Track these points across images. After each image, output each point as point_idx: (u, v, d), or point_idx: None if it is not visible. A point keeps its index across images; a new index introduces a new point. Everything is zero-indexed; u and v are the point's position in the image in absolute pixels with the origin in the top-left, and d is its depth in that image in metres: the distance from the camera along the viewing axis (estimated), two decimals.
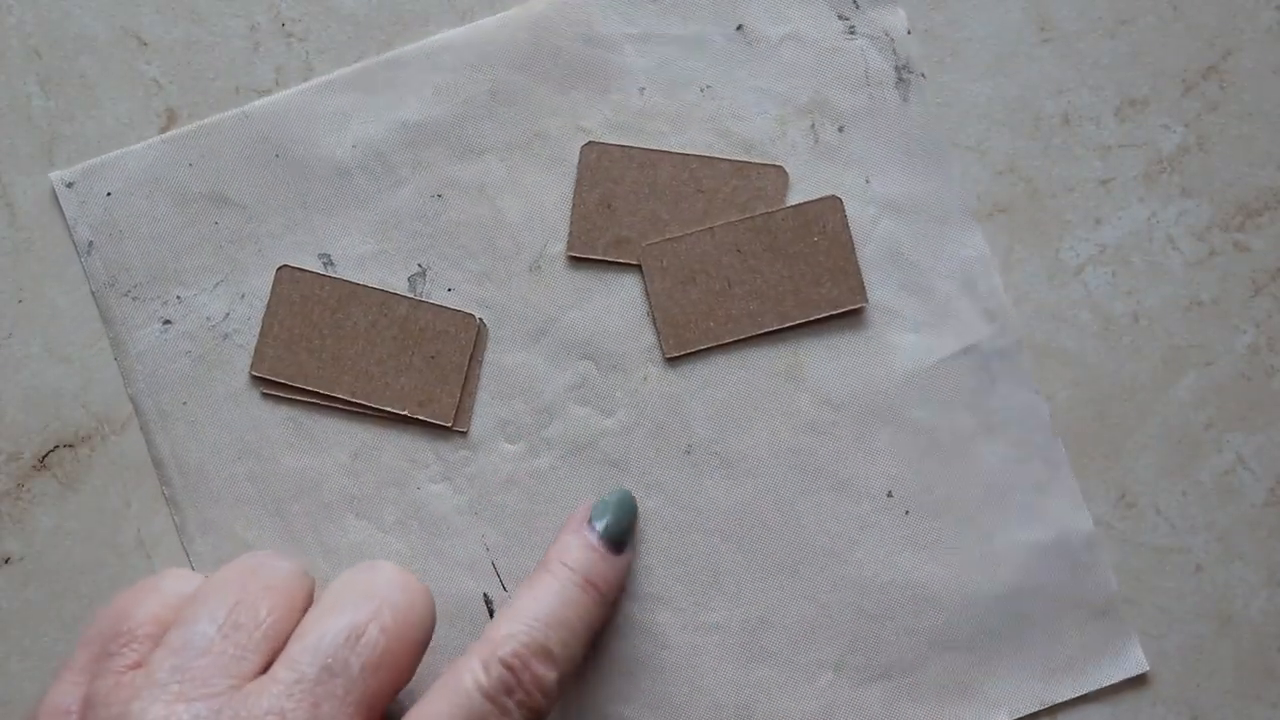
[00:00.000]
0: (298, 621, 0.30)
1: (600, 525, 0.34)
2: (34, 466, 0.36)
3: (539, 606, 0.31)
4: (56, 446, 0.36)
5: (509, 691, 0.30)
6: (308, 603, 0.31)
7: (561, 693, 0.31)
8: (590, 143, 0.37)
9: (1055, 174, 0.37)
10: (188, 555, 0.36)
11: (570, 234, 0.37)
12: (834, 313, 0.36)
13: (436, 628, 0.33)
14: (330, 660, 0.28)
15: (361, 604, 0.29)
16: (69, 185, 0.37)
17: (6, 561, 0.36)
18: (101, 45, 0.37)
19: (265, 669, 0.29)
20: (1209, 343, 0.37)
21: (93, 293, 0.37)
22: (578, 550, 0.33)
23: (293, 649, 0.29)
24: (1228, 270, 0.37)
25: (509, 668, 0.30)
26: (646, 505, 0.36)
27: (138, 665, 0.29)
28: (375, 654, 0.29)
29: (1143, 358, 0.37)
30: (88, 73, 0.37)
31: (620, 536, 0.34)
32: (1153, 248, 0.37)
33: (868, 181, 0.37)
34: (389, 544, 0.36)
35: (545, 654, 0.30)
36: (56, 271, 0.37)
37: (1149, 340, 0.37)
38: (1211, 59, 0.37)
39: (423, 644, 0.30)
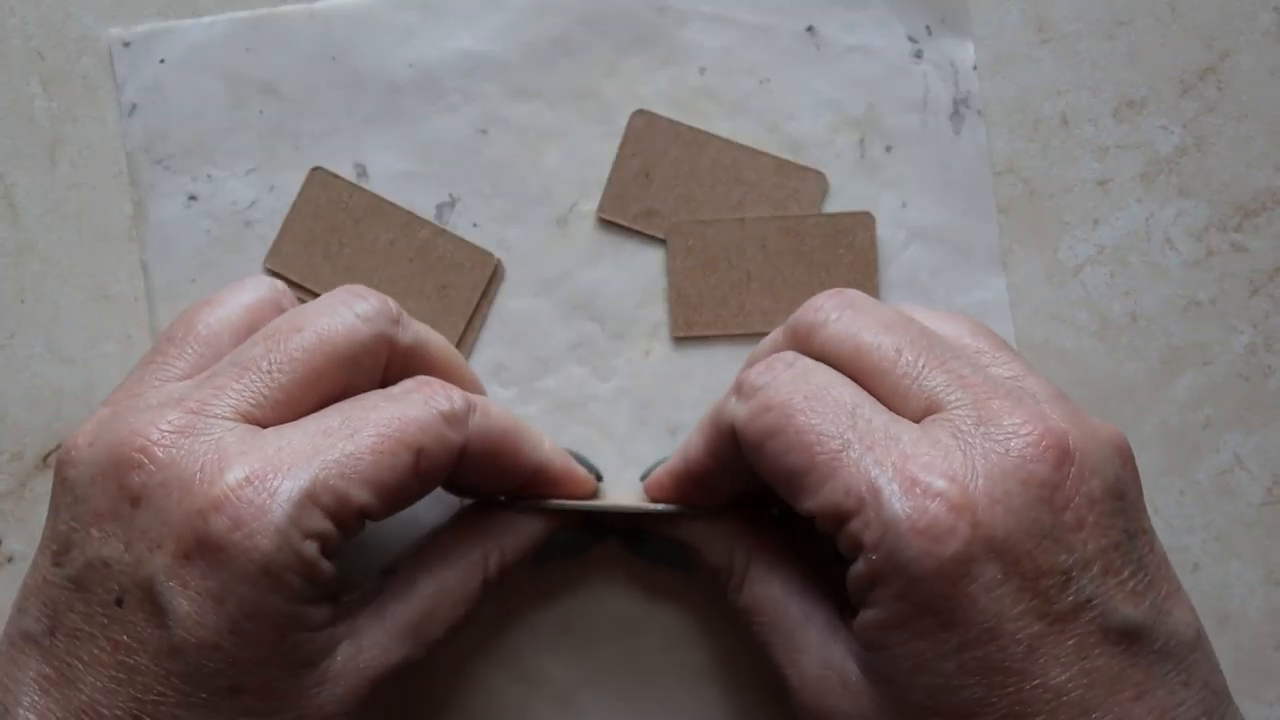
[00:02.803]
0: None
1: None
2: (36, 466, 0.37)
3: None
4: (59, 446, 0.36)
5: None
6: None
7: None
8: (641, 110, 0.37)
9: (1054, 175, 0.37)
10: None
11: (604, 196, 0.37)
12: None
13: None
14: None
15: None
16: (125, 44, 0.37)
17: (10, 560, 0.36)
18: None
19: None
20: (1207, 343, 0.37)
21: (127, 153, 0.37)
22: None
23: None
24: (1225, 270, 0.37)
25: None
26: (621, 478, 0.36)
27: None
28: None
29: (1141, 358, 0.37)
30: (90, 74, 0.37)
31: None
32: (1151, 248, 0.37)
33: (904, 205, 0.37)
34: None
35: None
36: (59, 271, 0.37)
37: (1147, 340, 0.37)
38: (1209, 60, 0.37)
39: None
